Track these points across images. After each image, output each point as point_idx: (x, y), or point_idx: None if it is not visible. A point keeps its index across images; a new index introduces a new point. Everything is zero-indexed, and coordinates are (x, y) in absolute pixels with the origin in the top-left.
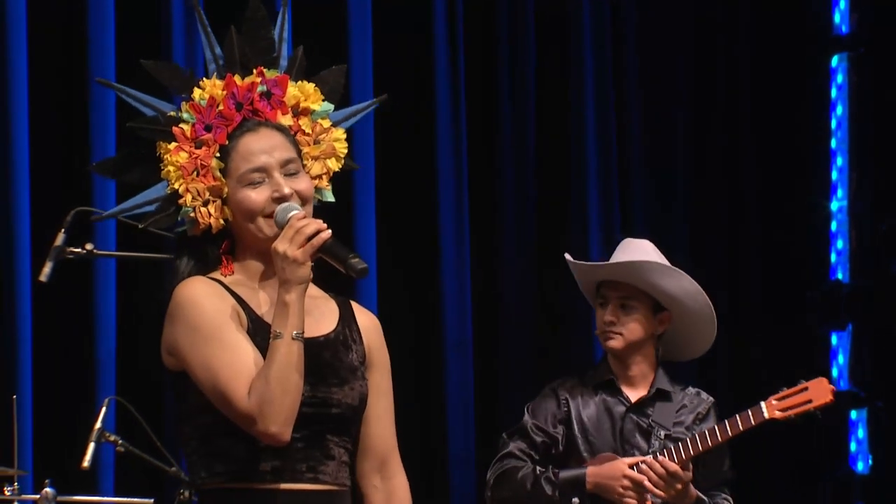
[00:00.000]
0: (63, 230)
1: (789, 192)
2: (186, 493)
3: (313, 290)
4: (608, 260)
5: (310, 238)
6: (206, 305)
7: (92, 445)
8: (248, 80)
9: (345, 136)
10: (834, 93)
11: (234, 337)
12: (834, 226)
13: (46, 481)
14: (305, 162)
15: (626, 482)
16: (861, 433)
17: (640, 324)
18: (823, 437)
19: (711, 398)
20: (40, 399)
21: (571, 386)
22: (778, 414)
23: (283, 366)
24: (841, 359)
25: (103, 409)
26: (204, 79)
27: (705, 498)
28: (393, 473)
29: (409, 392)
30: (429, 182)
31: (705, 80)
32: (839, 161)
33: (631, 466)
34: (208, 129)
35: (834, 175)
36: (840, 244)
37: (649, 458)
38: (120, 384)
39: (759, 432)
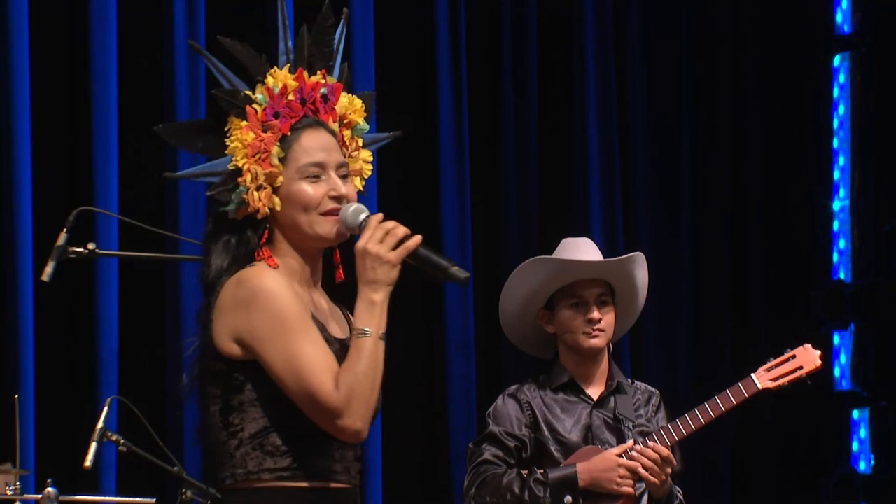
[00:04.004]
0: (65, 230)
1: (792, 192)
2: (188, 493)
3: (325, 296)
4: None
5: (401, 241)
6: (289, 298)
7: (94, 445)
8: (313, 79)
9: (371, 158)
10: (836, 92)
11: (314, 331)
12: (836, 225)
13: (48, 481)
14: None
15: (621, 471)
16: (863, 433)
17: (613, 320)
18: (825, 436)
19: (656, 390)
20: (42, 398)
21: (530, 390)
22: (770, 384)
23: (371, 363)
24: (843, 358)
25: (105, 409)
26: (276, 67)
27: (675, 489)
28: None
29: (411, 391)
30: (431, 182)
31: (708, 81)
32: (841, 160)
33: (618, 455)
34: (276, 115)
35: (836, 174)
36: (842, 244)
37: (639, 445)
38: (122, 384)
39: (762, 431)
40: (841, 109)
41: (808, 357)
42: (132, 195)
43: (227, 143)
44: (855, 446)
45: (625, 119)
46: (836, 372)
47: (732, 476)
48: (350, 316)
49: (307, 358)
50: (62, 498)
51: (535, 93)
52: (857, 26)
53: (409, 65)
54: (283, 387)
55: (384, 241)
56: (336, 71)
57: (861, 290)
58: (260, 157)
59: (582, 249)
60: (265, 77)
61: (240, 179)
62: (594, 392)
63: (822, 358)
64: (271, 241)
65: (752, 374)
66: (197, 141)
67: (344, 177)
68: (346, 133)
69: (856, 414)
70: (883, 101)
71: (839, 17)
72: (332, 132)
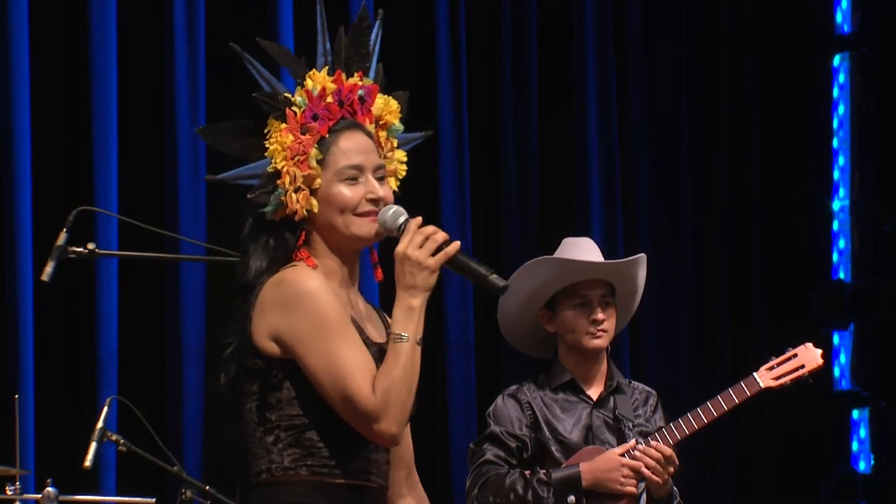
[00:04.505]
0: (65, 230)
1: (792, 192)
2: (188, 493)
3: (362, 298)
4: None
5: (440, 247)
6: (331, 300)
7: (94, 445)
8: (351, 80)
9: (406, 159)
10: (836, 92)
11: (354, 334)
12: (836, 225)
13: (48, 481)
14: None
15: (625, 470)
16: (863, 433)
17: (614, 320)
18: (825, 436)
19: (654, 390)
20: (42, 398)
21: (529, 390)
22: (772, 383)
23: (408, 368)
24: (843, 358)
25: (105, 409)
26: (314, 69)
27: (675, 489)
28: (416, 482)
29: None
30: (431, 182)
31: (708, 81)
32: (841, 160)
33: (621, 455)
34: (315, 118)
35: (836, 174)
36: (842, 244)
37: (641, 445)
38: (122, 383)
39: (763, 430)
40: (841, 109)
41: (809, 356)
42: (132, 195)
43: (267, 146)
44: (855, 446)
45: (625, 119)
46: (836, 372)
47: (733, 475)
48: (387, 318)
49: (346, 361)
50: (62, 498)
51: (535, 93)
52: (857, 26)
53: (409, 65)
54: (320, 388)
55: (424, 247)
56: (372, 72)
57: (861, 290)
58: (298, 160)
59: (584, 250)
60: (304, 79)
61: (279, 182)
62: (594, 392)
63: (823, 357)
64: (308, 242)
65: (755, 373)
66: (235, 143)
67: (381, 179)
68: (382, 134)
69: (856, 414)
70: (883, 101)
71: (839, 17)
72: (368, 134)
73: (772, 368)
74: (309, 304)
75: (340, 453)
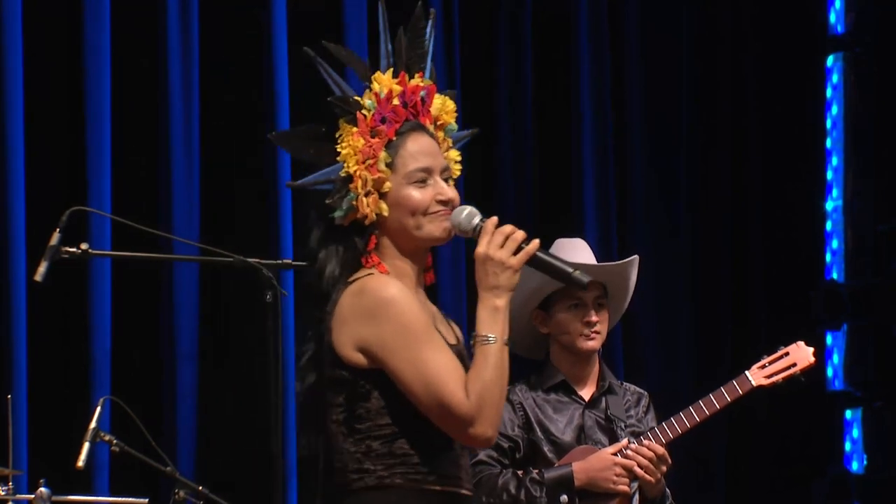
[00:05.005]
0: (59, 230)
1: (791, 192)
2: (181, 493)
3: (426, 296)
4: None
5: (521, 245)
6: (414, 306)
7: (87, 445)
8: (413, 82)
9: (459, 158)
10: (829, 92)
11: (440, 340)
12: (829, 225)
13: (41, 481)
14: None
15: (618, 469)
16: (856, 433)
17: (608, 321)
18: (818, 436)
19: (645, 391)
20: (35, 398)
21: (521, 391)
22: (764, 381)
23: (498, 369)
24: (836, 358)
25: (98, 409)
26: (379, 72)
27: (667, 489)
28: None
29: None
30: None
31: (708, 81)
32: (834, 161)
33: (613, 454)
34: (383, 120)
35: (829, 175)
36: (835, 244)
37: (634, 444)
38: (115, 384)
39: (755, 430)
40: (834, 110)
41: (801, 354)
42: (125, 195)
43: (339, 150)
44: (848, 446)
45: (622, 119)
46: (829, 372)
47: (726, 474)
48: (450, 320)
49: (436, 367)
50: (55, 498)
51: (529, 93)
52: (851, 26)
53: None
54: (411, 396)
55: (505, 246)
56: (428, 72)
57: (854, 290)
58: (369, 163)
59: (578, 251)
60: (368, 81)
61: (351, 186)
62: (586, 393)
63: (815, 356)
64: (378, 246)
65: (746, 372)
66: (308, 147)
67: (446, 180)
68: (440, 134)
69: (849, 414)
70: (876, 101)
71: (833, 18)
72: (431, 135)
73: (764, 367)
74: (393, 313)
75: (433, 460)
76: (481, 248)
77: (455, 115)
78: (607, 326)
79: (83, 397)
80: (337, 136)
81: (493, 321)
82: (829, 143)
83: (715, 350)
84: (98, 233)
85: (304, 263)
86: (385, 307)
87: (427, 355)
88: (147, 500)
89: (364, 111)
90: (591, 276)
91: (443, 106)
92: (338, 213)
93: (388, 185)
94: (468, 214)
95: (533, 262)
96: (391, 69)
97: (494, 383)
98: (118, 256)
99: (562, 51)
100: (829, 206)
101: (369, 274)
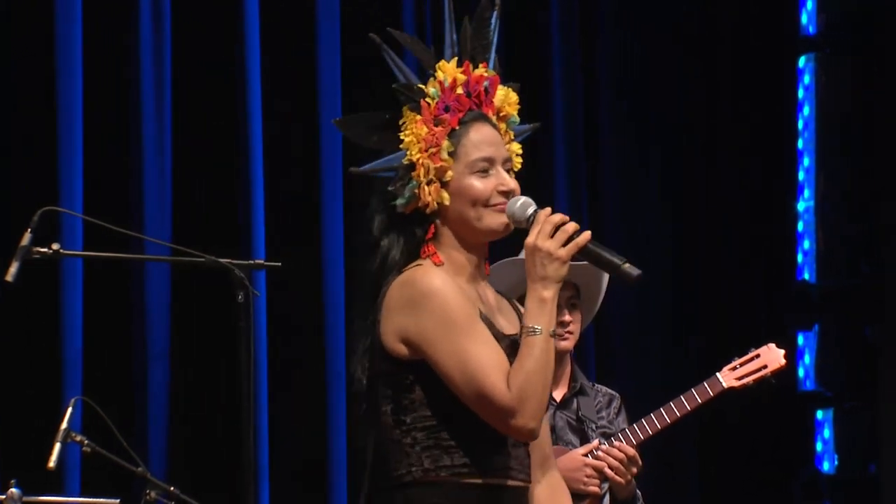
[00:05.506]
0: (30, 230)
1: (757, 193)
2: (152, 494)
3: (490, 289)
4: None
5: (571, 237)
6: (457, 297)
7: (58, 445)
8: (478, 71)
9: (521, 151)
10: (801, 93)
11: (484, 331)
12: (801, 226)
13: (12, 481)
14: None
15: (588, 470)
16: (827, 433)
17: (580, 322)
18: (790, 437)
19: (617, 393)
20: (6, 399)
21: None
22: (735, 383)
23: (542, 361)
24: (807, 359)
25: (69, 409)
26: (444, 61)
27: (637, 491)
28: (551, 466)
29: None
30: None
31: (678, 81)
32: (806, 161)
33: (584, 455)
34: (447, 109)
35: (801, 175)
36: (807, 244)
37: (605, 445)
38: (86, 384)
39: (726, 432)
40: (806, 110)
41: (772, 356)
42: (97, 195)
43: (402, 138)
44: (819, 447)
45: (594, 119)
46: (801, 372)
47: (699, 476)
48: (520, 309)
49: (478, 358)
50: (26, 498)
51: None
52: (822, 27)
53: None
54: (453, 388)
55: (555, 237)
56: (492, 62)
57: (826, 290)
58: (431, 152)
59: None
60: (435, 71)
61: (413, 174)
62: (557, 393)
63: (786, 358)
64: (437, 236)
65: (717, 374)
66: (372, 135)
67: (508, 171)
68: (502, 126)
69: (820, 414)
70: (848, 102)
71: (804, 19)
72: (494, 125)
73: (735, 369)
74: (434, 304)
75: (479, 451)
76: (531, 239)
77: (517, 107)
78: (580, 327)
79: (54, 397)
80: (400, 123)
81: (539, 312)
82: (800, 143)
83: (686, 351)
84: (69, 233)
85: (276, 264)
86: (427, 298)
87: (468, 346)
88: (118, 501)
89: (428, 99)
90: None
91: (506, 97)
92: (399, 201)
93: (450, 173)
94: (522, 204)
95: (584, 253)
96: (455, 58)
97: (537, 375)
98: (90, 256)
99: (532, 50)
100: (801, 206)
101: (418, 265)
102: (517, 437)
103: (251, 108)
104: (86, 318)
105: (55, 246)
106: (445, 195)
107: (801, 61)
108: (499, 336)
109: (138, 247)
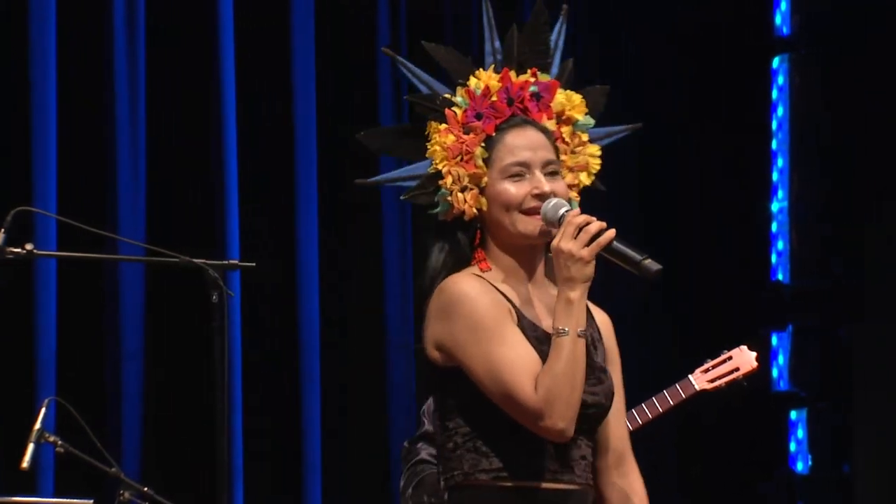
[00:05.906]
0: (3, 230)
1: (730, 194)
2: (126, 494)
3: (553, 287)
4: None
5: (594, 236)
6: (485, 302)
7: (31, 446)
8: (521, 78)
9: (599, 153)
10: (775, 94)
11: (514, 334)
12: (775, 227)
13: None
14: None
15: None
16: (801, 433)
17: None
18: (763, 437)
19: None
20: None
21: None
22: (707, 385)
23: (570, 362)
24: (781, 359)
25: (43, 410)
26: (481, 69)
27: None
28: (629, 470)
29: (353, 391)
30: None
31: (648, 81)
32: (780, 162)
33: None
34: (479, 117)
35: (775, 176)
36: (781, 245)
37: None
38: (60, 384)
39: (700, 433)
40: (780, 111)
41: (744, 358)
42: (71, 195)
43: (427, 147)
44: (793, 447)
45: None
46: (774, 373)
47: (677, 478)
48: (588, 306)
49: (505, 361)
50: None
51: None
52: (796, 28)
53: (350, 64)
54: (485, 391)
55: (577, 238)
56: (554, 68)
57: (799, 291)
58: (463, 159)
59: None
60: (468, 79)
61: (441, 182)
62: None
63: (759, 359)
64: (484, 241)
65: (690, 376)
66: (397, 147)
67: (552, 174)
68: (566, 129)
69: (793, 415)
70: (822, 103)
71: (778, 19)
72: (543, 130)
73: (707, 371)
74: (463, 309)
75: (516, 454)
76: (555, 241)
77: (584, 109)
78: None
79: (28, 398)
80: (426, 133)
81: (567, 314)
82: (774, 144)
83: (659, 352)
84: (43, 233)
85: (250, 264)
86: (456, 305)
87: (495, 350)
88: (92, 501)
89: (455, 108)
90: None
91: (567, 101)
92: (439, 210)
93: (485, 179)
94: (554, 206)
95: (607, 252)
96: (493, 66)
97: (566, 376)
98: (63, 257)
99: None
100: (775, 207)
101: (462, 272)
102: (549, 438)
103: (225, 109)
104: (59, 319)
105: (29, 246)
106: (484, 201)
107: (775, 62)
108: (540, 338)
109: (112, 247)
